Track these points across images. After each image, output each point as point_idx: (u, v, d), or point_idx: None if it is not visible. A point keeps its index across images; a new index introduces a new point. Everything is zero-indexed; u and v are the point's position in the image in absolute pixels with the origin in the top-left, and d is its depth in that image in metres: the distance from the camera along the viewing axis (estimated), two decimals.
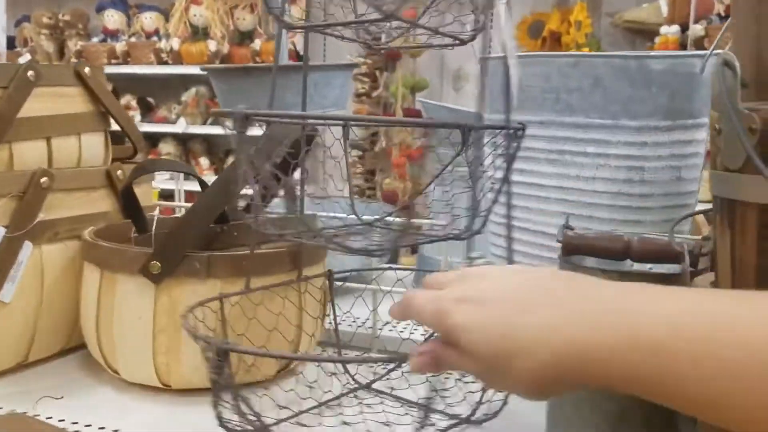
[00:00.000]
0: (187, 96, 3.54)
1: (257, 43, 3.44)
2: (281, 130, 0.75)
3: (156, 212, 0.81)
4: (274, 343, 0.77)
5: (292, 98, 1.16)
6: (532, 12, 3.05)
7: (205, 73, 1.28)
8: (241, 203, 0.82)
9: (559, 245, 0.66)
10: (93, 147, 0.93)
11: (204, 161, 3.64)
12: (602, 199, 0.86)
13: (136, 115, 3.64)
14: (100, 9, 3.56)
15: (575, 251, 0.63)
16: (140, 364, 0.77)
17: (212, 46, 3.40)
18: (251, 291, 0.75)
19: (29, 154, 0.82)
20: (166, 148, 3.68)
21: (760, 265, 0.44)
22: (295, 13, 3.18)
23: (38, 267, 0.81)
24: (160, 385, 0.77)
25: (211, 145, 3.72)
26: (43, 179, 0.80)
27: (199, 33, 3.45)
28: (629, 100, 0.82)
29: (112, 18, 3.53)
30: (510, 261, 0.72)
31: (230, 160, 3.62)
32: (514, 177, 0.96)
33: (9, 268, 0.76)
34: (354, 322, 0.93)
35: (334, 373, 0.80)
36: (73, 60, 3.58)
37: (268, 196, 0.79)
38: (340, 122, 0.61)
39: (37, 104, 0.83)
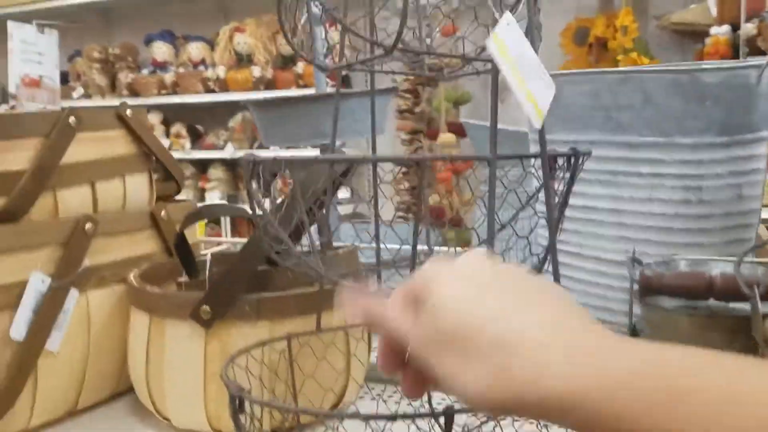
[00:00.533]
0: (234, 122, 3.59)
1: (300, 67, 3.46)
2: (316, 171, 0.74)
3: (208, 255, 0.81)
4: (319, 390, 0.75)
5: (329, 127, 1.15)
6: (576, 18, 2.98)
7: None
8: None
9: (633, 282, 0.62)
10: (137, 187, 0.93)
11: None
12: (659, 221, 0.82)
13: (186, 143, 3.71)
14: (148, 41, 3.65)
15: (655, 292, 0.59)
16: (191, 411, 0.75)
17: (256, 72, 3.44)
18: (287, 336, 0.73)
19: (73, 199, 0.82)
20: (216, 174, 3.74)
21: None
22: (334, 35, 3.20)
23: (84, 314, 0.81)
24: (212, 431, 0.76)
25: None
26: (88, 225, 0.80)
27: (244, 60, 3.50)
28: (683, 116, 0.78)
29: (161, 50, 3.61)
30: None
31: (278, 182, 3.65)
32: None
33: (55, 316, 0.76)
34: None
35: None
36: (125, 92, 3.68)
37: (301, 236, 0.78)
38: (361, 161, 0.59)
39: (80, 149, 0.83)
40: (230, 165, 3.73)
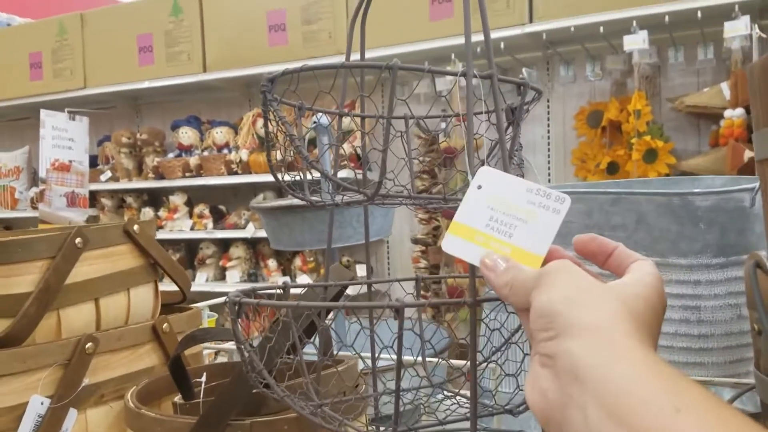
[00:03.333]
0: (256, 202, 3.65)
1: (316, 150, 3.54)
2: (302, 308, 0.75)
3: (203, 380, 0.81)
4: None
5: (335, 232, 1.17)
6: (590, 102, 3.03)
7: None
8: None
9: None
10: (142, 299, 0.95)
11: (272, 263, 3.70)
12: (660, 340, 0.81)
13: (209, 223, 3.77)
14: (174, 127, 3.76)
15: None
16: None
17: (278, 155, 3.51)
18: None
19: (77, 317, 0.84)
20: (237, 252, 3.77)
21: None
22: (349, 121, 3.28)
23: None
24: None
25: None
26: (89, 345, 0.81)
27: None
28: (677, 238, 0.78)
29: (186, 134, 3.72)
30: None
31: (296, 261, 3.68)
32: None
33: None
34: None
35: None
36: (151, 175, 3.77)
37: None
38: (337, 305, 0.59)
39: (86, 268, 0.85)
40: (251, 243, 3.77)
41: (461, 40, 2.82)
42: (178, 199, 3.82)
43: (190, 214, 3.83)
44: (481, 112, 0.70)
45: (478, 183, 0.52)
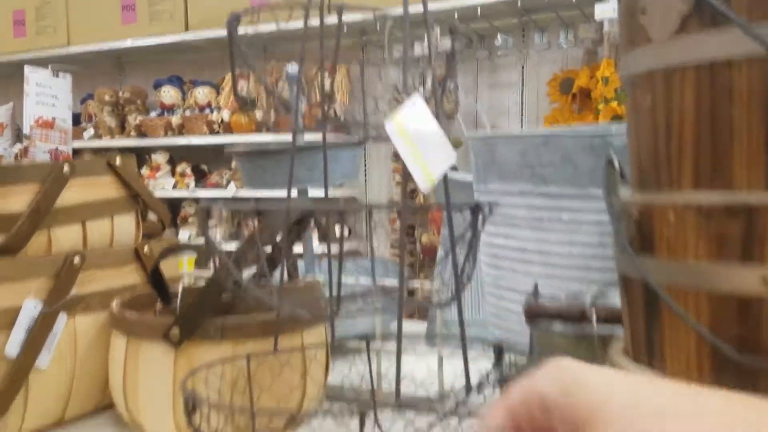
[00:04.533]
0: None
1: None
2: (274, 217, 0.86)
3: (180, 286, 0.92)
4: (276, 404, 0.85)
5: (302, 174, 1.27)
6: (562, 69, 3.13)
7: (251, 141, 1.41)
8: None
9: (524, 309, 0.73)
10: (124, 226, 1.05)
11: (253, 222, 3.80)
12: (579, 260, 0.92)
13: (191, 182, 3.85)
14: (157, 86, 3.82)
15: (537, 317, 0.70)
16: (162, 421, 0.86)
17: (260, 115, 3.59)
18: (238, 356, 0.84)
19: (65, 237, 0.94)
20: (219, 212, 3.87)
21: (648, 337, 0.50)
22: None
23: (72, 336, 0.92)
24: None
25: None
26: (76, 259, 0.91)
27: (248, 104, 3.66)
28: (595, 172, 0.89)
29: (168, 94, 3.78)
30: (459, 316, 0.78)
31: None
32: (501, 242, 1.04)
33: (45, 338, 0.88)
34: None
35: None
36: (133, 133, 3.84)
37: (269, 270, 0.89)
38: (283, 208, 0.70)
39: (73, 194, 0.95)
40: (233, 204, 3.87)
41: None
42: (160, 158, 3.89)
43: (173, 173, 3.90)
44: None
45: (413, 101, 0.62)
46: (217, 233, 3.86)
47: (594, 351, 0.61)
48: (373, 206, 0.76)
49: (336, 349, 1.14)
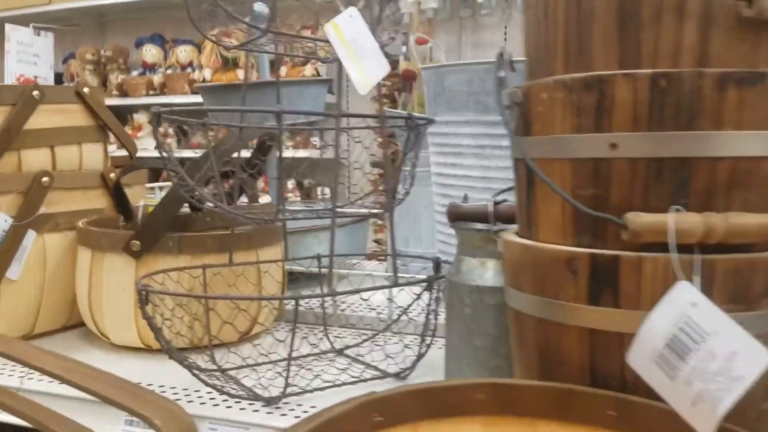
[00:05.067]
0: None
1: (283, 70, 3.64)
2: (237, 135, 0.91)
3: (141, 204, 0.97)
4: (238, 313, 0.91)
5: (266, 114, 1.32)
6: None
7: None
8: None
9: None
10: (92, 154, 1.10)
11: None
12: None
13: (173, 143, 3.88)
14: (139, 44, 3.83)
15: (456, 218, 0.76)
16: (125, 329, 0.92)
17: (241, 74, 3.62)
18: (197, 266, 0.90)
19: (35, 159, 0.99)
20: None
21: (527, 211, 0.57)
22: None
23: (41, 252, 0.98)
24: (143, 346, 0.92)
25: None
26: (44, 179, 0.97)
27: (230, 63, 3.68)
28: None
29: (150, 52, 3.79)
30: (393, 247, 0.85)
31: (259, 183, 3.81)
32: (447, 170, 1.10)
33: (15, 250, 0.93)
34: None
35: (305, 337, 0.95)
36: (115, 92, 3.85)
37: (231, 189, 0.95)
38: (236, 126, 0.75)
39: (43, 118, 1.00)
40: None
41: None
42: (142, 118, 3.91)
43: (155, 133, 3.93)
44: None
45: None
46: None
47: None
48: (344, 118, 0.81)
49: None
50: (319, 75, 3.76)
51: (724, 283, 0.47)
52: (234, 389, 0.77)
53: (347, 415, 0.48)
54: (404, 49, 3.51)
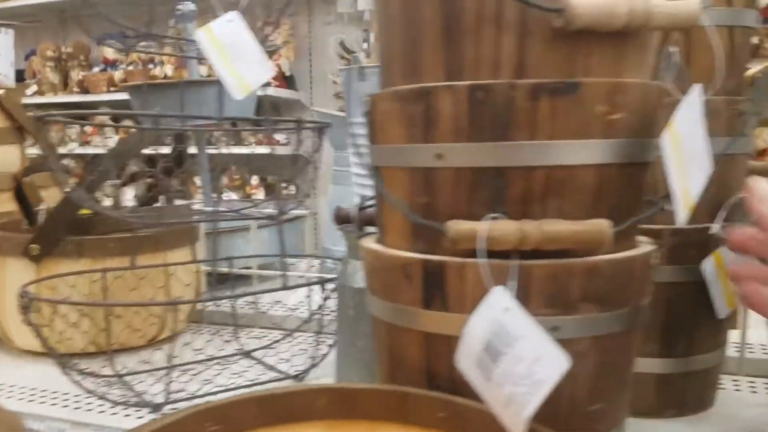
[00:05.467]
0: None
1: None
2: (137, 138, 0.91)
3: (43, 207, 0.98)
4: (143, 318, 0.92)
5: (194, 109, 1.32)
6: None
7: None
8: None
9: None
10: (8, 156, 1.10)
11: (198, 180, 3.83)
12: None
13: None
14: (100, 41, 3.80)
15: (340, 221, 0.77)
16: (28, 334, 0.92)
17: (203, 70, 3.60)
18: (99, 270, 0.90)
19: None
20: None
21: (380, 217, 0.58)
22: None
23: None
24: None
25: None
26: None
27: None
28: None
29: (111, 48, 3.76)
30: None
31: (223, 179, 3.80)
32: (363, 170, 1.11)
33: None
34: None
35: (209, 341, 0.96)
36: (76, 89, 3.82)
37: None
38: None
39: None
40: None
41: None
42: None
43: (117, 130, 3.90)
44: None
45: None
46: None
47: None
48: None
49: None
50: (282, 71, 3.75)
51: (542, 288, 0.49)
52: (122, 396, 0.77)
53: (178, 424, 0.49)
54: (365, 45, 3.52)
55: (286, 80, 3.70)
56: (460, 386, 0.51)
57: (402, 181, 0.53)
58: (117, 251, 0.92)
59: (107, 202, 3.12)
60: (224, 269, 1.11)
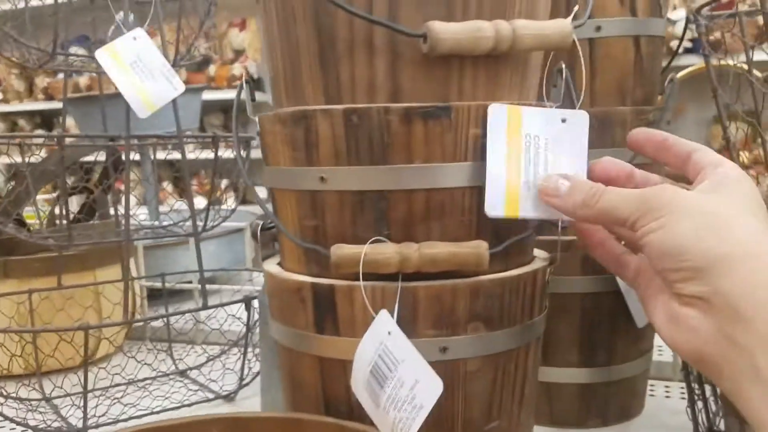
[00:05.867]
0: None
1: (212, 69, 3.61)
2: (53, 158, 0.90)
3: None
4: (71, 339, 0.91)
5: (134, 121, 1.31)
6: None
7: None
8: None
9: None
10: None
11: (168, 186, 3.80)
12: None
13: None
14: (63, 46, 3.76)
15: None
16: None
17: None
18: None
19: None
20: (132, 175, 3.85)
21: (279, 238, 0.57)
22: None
23: None
24: None
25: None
26: None
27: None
28: None
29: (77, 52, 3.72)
30: None
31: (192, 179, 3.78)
32: None
33: None
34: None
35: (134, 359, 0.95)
36: (41, 96, 3.77)
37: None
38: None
39: None
40: (137, 163, 3.85)
41: None
42: (70, 121, 3.84)
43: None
44: None
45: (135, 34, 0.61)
46: (132, 197, 3.84)
47: None
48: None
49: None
50: (249, 75, 3.72)
51: (428, 309, 0.49)
52: (42, 422, 0.76)
53: None
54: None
55: (254, 83, 3.68)
56: (357, 411, 0.51)
57: (291, 203, 0.53)
58: (43, 271, 0.91)
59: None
60: (172, 283, 1.10)
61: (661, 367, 0.90)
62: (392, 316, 0.48)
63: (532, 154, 0.47)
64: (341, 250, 0.48)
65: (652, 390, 0.86)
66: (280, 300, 0.55)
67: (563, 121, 0.48)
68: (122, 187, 1.19)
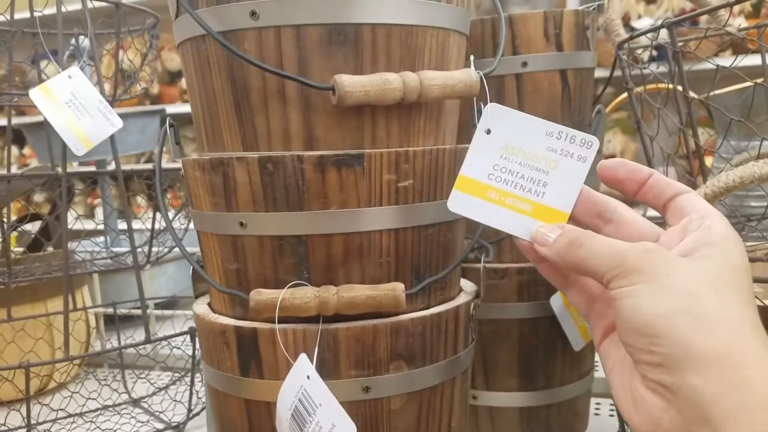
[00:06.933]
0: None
1: (184, 82, 3.60)
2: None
3: None
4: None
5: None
6: None
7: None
8: None
9: None
10: None
11: (141, 200, 3.78)
12: None
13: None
14: (33, 61, 3.73)
15: None
16: None
17: (139, 88, 3.55)
18: None
19: None
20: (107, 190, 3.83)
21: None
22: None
23: None
24: None
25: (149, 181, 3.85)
26: None
27: (131, 76, 3.60)
28: None
29: (46, 69, 3.70)
30: None
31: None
32: None
33: None
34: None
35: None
36: (13, 112, 3.73)
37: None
38: None
39: None
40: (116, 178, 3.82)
41: None
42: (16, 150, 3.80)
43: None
44: None
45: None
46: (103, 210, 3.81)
47: None
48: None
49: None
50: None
51: (349, 350, 0.50)
52: None
53: None
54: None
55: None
56: None
57: (214, 246, 0.53)
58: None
59: None
60: (126, 310, 1.10)
61: (605, 384, 0.91)
62: (314, 357, 0.49)
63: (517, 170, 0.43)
64: (260, 296, 0.49)
65: (597, 408, 0.87)
66: (207, 341, 0.55)
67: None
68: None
